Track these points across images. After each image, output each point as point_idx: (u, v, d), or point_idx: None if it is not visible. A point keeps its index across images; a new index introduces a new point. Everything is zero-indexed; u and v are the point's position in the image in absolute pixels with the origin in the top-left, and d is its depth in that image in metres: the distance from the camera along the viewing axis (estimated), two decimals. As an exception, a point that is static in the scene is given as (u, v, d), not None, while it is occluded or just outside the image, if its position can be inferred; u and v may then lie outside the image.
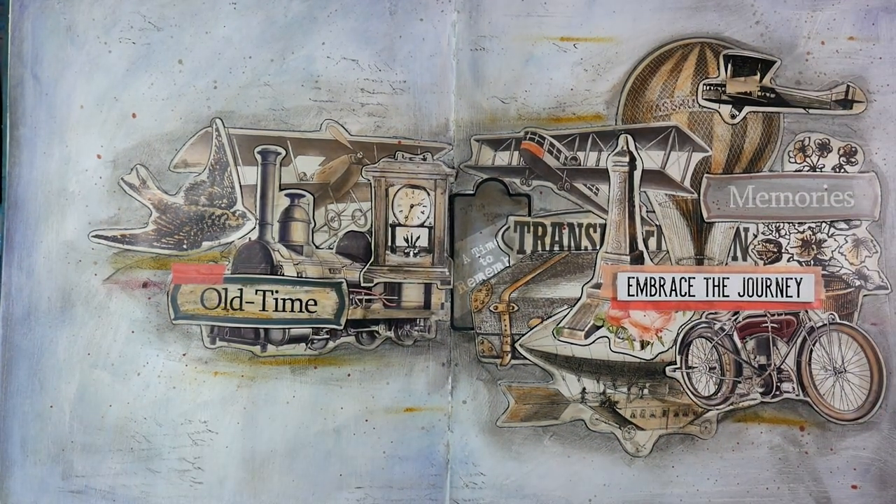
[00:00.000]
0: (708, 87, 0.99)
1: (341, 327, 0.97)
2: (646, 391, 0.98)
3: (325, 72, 0.97)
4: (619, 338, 0.98)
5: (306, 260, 0.98)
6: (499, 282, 0.99)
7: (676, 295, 0.98)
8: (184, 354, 0.96)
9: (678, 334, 0.98)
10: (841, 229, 0.99)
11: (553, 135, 0.98)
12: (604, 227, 0.99)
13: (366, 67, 0.98)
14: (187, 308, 0.96)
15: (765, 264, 0.99)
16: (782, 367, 0.99)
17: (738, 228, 0.99)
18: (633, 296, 0.98)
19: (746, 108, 0.99)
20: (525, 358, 0.98)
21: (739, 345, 0.99)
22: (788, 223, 0.99)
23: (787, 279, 0.98)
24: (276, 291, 0.97)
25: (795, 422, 0.98)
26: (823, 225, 0.99)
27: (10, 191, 0.95)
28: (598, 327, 0.98)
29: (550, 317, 0.98)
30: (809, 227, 0.99)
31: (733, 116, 0.99)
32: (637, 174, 0.99)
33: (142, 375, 0.96)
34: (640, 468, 0.98)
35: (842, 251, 0.99)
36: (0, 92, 0.97)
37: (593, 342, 0.98)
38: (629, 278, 0.98)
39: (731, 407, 0.98)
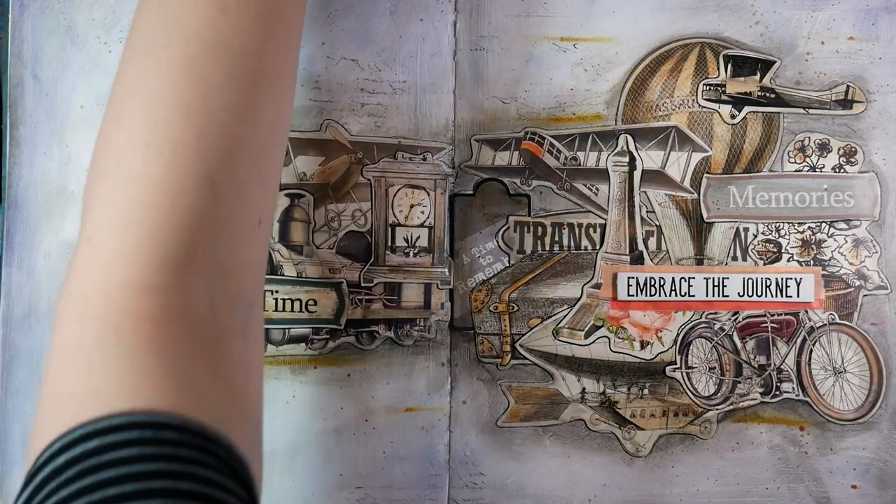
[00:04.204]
0: (708, 87, 0.99)
1: (341, 327, 0.97)
2: (646, 391, 0.98)
3: (325, 72, 0.97)
4: (619, 338, 0.98)
5: (306, 260, 0.98)
6: (499, 282, 0.99)
7: (676, 295, 0.98)
8: (184, 354, 0.96)
9: (678, 334, 0.98)
10: (841, 229, 0.99)
11: (553, 135, 0.98)
12: (604, 227, 0.99)
13: (366, 67, 0.97)
14: (187, 308, 0.96)
15: (765, 264, 0.99)
16: (782, 367, 0.99)
17: (737, 228, 0.99)
18: (632, 296, 0.98)
19: (746, 109, 0.99)
20: (525, 358, 0.98)
21: (739, 345, 0.99)
22: (788, 223, 0.99)
23: (786, 279, 0.98)
24: (276, 291, 0.97)
25: (795, 422, 0.98)
26: (823, 225, 0.99)
27: (10, 191, 0.95)
28: (598, 327, 0.98)
29: (550, 317, 0.98)
30: (809, 227, 0.99)
31: (733, 116, 0.99)
32: (637, 174, 0.98)
33: (142, 375, 0.96)
34: (640, 468, 0.97)
35: (842, 251, 0.99)
36: (0, 92, 0.96)
37: (593, 342, 0.98)
38: (629, 278, 0.98)
39: (731, 407, 0.98)
